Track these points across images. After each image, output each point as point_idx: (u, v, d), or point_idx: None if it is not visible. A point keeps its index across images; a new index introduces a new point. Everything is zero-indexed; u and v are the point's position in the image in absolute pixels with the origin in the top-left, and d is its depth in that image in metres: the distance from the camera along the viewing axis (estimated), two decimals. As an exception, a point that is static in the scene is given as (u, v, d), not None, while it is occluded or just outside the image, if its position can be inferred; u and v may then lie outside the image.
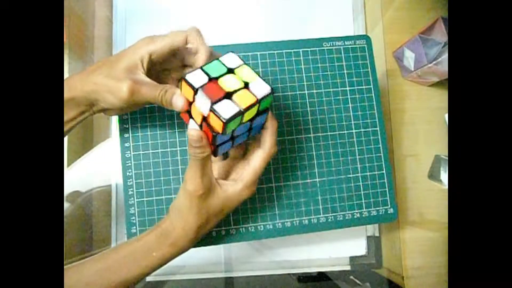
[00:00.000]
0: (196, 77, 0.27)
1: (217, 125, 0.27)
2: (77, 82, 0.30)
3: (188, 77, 0.27)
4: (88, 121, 0.46)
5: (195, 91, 0.27)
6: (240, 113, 0.27)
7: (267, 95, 0.28)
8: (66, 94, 0.30)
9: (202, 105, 0.27)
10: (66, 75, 0.46)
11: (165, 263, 0.31)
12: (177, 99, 0.29)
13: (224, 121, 0.26)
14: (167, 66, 0.34)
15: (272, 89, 0.28)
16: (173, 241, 0.30)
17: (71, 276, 0.29)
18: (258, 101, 0.27)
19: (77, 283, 0.28)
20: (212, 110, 0.26)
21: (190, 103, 0.29)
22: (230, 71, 0.28)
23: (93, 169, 0.49)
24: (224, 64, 0.29)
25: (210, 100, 0.26)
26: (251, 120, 0.29)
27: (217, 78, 0.28)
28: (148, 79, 0.31)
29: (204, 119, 0.28)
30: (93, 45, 0.52)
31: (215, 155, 0.30)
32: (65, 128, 0.31)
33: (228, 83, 0.27)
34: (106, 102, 0.30)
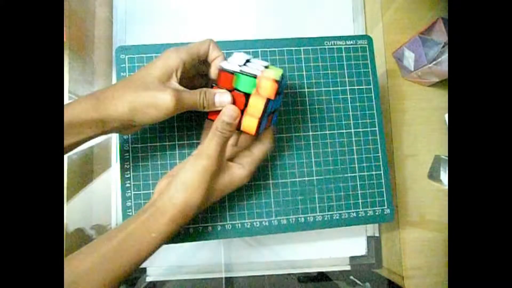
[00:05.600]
0: (231, 64, 0.31)
1: (270, 87, 0.30)
2: (108, 102, 0.29)
3: (224, 65, 0.31)
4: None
5: (239, 71, 0.31)
6: (283, 76, 0.32)
7: (284, 75, 0.33)
8: (94, 114, 0.28)
9: (250, 73, 0.31)
10: (66, 75, 0.46)
11: (164, 242, 0.30)
12: (222, 96, 0.31)
13: (280, 73, 0.31)
14: (191, 73, 0.35)
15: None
16: (171, 218, 0.29)
17: (67, 272, 0.26)
18: (283, 75, 0.33)
19: (74, 279, 0.26)
20: (264, 71, 0.31)
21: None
22: (248, 61, 0.33)
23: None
24: (239, 57, 0.33)
25: (260, 64, 0.32)
26: (279, 94, 0.33)
27: (245, 64, 0.32)
28: (182, 87, 0.31)
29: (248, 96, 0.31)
30: (93, 45, 0.52)
31: (258, 134, 0.32)
32: (76, 145, 0.30)
33: (255, 65, 0.32)
34: (145, 116, 0.29)
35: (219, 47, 0.34)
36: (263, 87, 0.30)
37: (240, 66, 0.32)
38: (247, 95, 0.31)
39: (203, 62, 0.34)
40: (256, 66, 0.32)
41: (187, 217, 0.30)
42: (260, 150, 0.34)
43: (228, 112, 0.31)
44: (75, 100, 0.29)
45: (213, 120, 0.32)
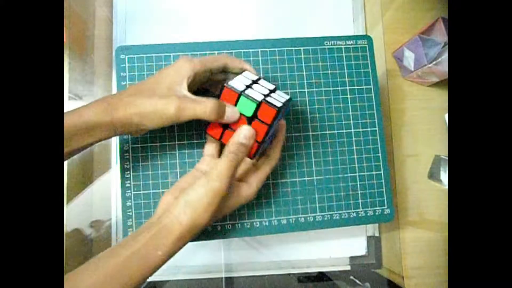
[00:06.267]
0: (237, 83, 0.31)
1: (269, 114, 0.30)
2: (118, 108, 0.30)
3: (231, 83, 0.31)
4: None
5: (242, 92, 0.31)
6: (289, 101, 0.32)
7: (290, 99, 0.33)
8: (105, 118, 0.29)
9: (252, 97, 0.31)
10: (66, 75, 0.46)
11: (171, 258, 0.30)
12: (231, 109, 0.31)
13: (283, 102, 0.31)
14: (202, 82, 0.35)
15: (290, 97, 0.33)
16: (178, 237, 0.29)
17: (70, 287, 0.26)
18: (289, 99, 0.33)
19: None
20: (265, 101, 0.30)
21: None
22: (255, 82, 0.33)
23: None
24: (247, 77, 0.33)
25: (262, 93, 0.31)
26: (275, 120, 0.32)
27: (251, 85, 0.32)
28: (190, 94, 0.31)
29: (250, 118, 0.31)
30: (93, 45, 0.52)
31: (254, 157, 0.32)
32: (88, 146, 0.31)
33: (260, 88, 0.32)
34: (151, 122, 0.30)
35: (239, 59, 0.35)
36: (264, 114, 0.30)
37: (246, 86, 0.31)
38: (248, 118, 0.31)
39: (218, 72, 0.35)
40: (261, 89, 0.32)
41: (194, 235, 0.30)
42: (266, 166, 0.34)
43: (244, 132, 0.30)
44: (88, 104, 0.30)
45: (211, 136, 0.33)
